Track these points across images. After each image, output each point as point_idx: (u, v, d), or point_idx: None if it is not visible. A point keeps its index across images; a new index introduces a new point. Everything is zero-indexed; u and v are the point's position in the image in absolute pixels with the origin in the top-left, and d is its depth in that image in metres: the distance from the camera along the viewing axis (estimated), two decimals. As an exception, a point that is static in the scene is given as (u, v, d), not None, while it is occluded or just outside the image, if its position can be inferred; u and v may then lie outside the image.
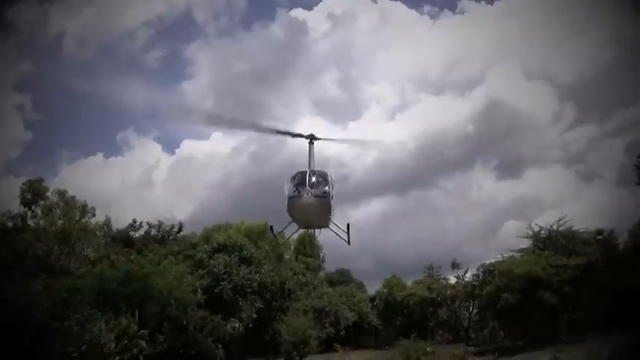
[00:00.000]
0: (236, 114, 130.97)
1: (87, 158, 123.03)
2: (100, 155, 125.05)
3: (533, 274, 48.11)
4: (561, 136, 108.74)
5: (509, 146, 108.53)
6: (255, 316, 50.69)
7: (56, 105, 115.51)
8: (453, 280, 62.23)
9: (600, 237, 54.70)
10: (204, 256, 51.03)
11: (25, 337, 39.42)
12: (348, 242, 32.16)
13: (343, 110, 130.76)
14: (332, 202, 29.19)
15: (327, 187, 28.29)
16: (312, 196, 27.10)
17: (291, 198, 27.85)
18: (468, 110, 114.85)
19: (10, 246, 49.42)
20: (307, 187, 27.09)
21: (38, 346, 38.93)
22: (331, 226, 31.26)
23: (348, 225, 31.97)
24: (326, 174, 28.98)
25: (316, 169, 29.39)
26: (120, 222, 64.58)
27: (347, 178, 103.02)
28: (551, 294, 47.21)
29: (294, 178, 28.54)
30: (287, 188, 28.50)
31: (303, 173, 28.32)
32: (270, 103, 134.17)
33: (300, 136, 30.56)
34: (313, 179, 27.80)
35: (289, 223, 30.28)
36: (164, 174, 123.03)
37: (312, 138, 30.36)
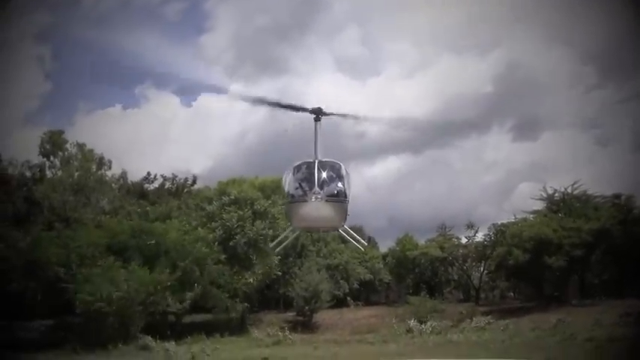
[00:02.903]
0: (255, 68, 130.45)
1: (104, 110, 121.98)
2: (118, 107, 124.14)
3: (543, 236, 47.97)
4: (579, 99, 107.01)
5: (526, 108, 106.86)
6: (268, 270, 51.21)
7: (75, 56, 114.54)
8: (465, 240, 62.27)
9: (617, 201, 54.47)
10: (216, 209, 51.29)
11: (40, 286, 40.28)
12: (363, 247, 28.60)
13: (362, 68, 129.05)
14: (348, 202, 22.62)
15: (340, 184, 21.76)
16: (322, 201, 20.95)
17: (293, 201, 22.05)
18: (486, 71, 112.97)
19: (27, 197, 49.98)
20: (316, 188, 20.74)
21: (53, 295, 39.76)
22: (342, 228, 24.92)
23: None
24: (340, 166, 22.38)
25: (326, 159, 22.45)
26: (135, 175, 65.03)
27: (363, 136, 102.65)
28: (560, 257, 47.08)
29: (297, 169, 22.47)
30: (287, 182, 22.72)
31: (310, 166, 21.90)
32: (289, 58, 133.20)
33: (304, 110, 23.37)
34: (323, 175, 21.42)
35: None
36: (181, 127, 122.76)
37: (318, 113, 23.20)
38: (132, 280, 37.47)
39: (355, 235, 26.01)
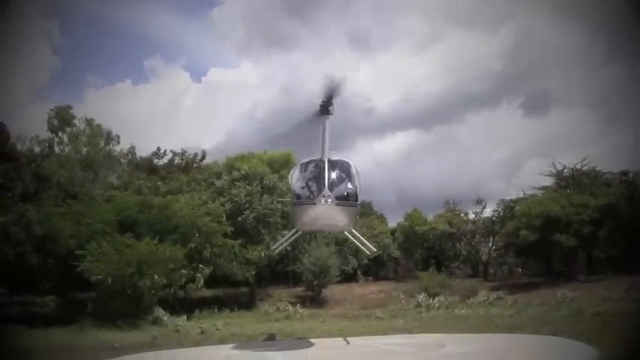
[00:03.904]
0: (266, 43, 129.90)
1: (114, 85, 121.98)
2: (127, 82, 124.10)
3: (552, 213, 47.93)
4: (589, 76, 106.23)
5: (536, 85, 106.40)
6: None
7: (84, 31, 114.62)
8: (473, 216, 62.29)
9: (625, 178, 54.38)
10: (225, 184, 51.40)
11: (50, 261, 40.58)
12: (370, 252, 26.92)
13: (373, 43, 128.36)
14: (359, 204, 22.17)
15: (350, 185, 20.73)
16: (332, 204, 19.68)
17: (300, 203, 20.87)
18: (497, 46, 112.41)
19: (35, 172, 50.18)
20: (325, 190, 19.60)
21: (65, 270, 40.02)
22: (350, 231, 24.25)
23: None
24: (349, 165, 21.41)
25: (336, 157, 21.56)
26: (145, 150, 65.23)
27: (372, 111, 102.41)
28: (569, 234, 47.08)
29: (304, 168, 21.68)
30: (293, 179, 22.05)
31: (319, 165, 20.80)
32: (300, 33, 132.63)
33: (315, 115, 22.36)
34: (333, 175, 20.30)
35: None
36: (191, 102, 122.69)
37: (324, 107, 22.08)
38: (143, 255, 37.62)
39: (362, 238, 25.27)
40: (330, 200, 19.34)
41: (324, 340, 25.05)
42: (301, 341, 26.56)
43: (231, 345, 24.76)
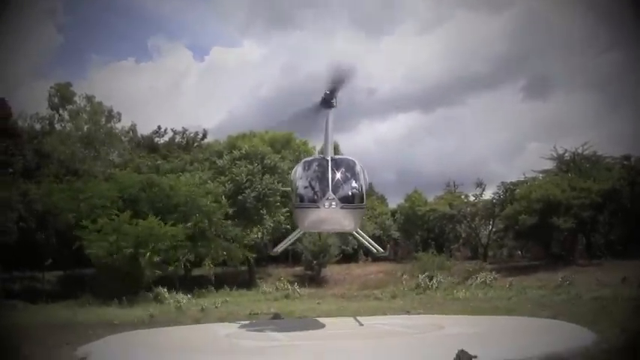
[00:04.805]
0: (269, 23, 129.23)
1: (117, 63, 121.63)
2: (130, 60, 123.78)
3: (552, 197, 47.95)
4: (592, 59, 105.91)
5: (538, 68, 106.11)
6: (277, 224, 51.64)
7: (88, 9, 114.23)
8: (473, 198, 62.29)
9: (627, 162, 54.35)
10: (226, 164, 51.36)
11: (51, 237, 40.73)
12: (377, 250, 25.59)
13: (377, 24, 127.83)
14: (364, 205, 20.95)
15: (356, 184, 19.59)
16: (337, 207, 18.73)
17: (302, 205, 19.84)
18: (500, 28, 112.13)
19: (37, 149, 50.22)
20: (330, 193, 18.63)
21: (65, 246, 40.21)
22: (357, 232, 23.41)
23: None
24: (354, 163, 20.19)
25: (340, 155, 21.37)
26: (148, 128, 65.36)
27: (374, 92, 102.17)
28: (569, 218, 47.11)
29: (306, 167, 20.50)
30: (296, 176, 20.61)
31: (323, 164, 19.69)
32: (303, 12, 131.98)
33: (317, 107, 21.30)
34: (338, 176, 19.22)
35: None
36: (193, 81, 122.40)
37: (327, 101, 20.99)
38: (144, 232, 37.73)
39: (369, 239, 24.58)
40: (334, 204, 18.52)
41: (323, 320, 25.12)
42: (300, 320, 26.71)
43: (233, 324, 24.88)
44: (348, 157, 20.95)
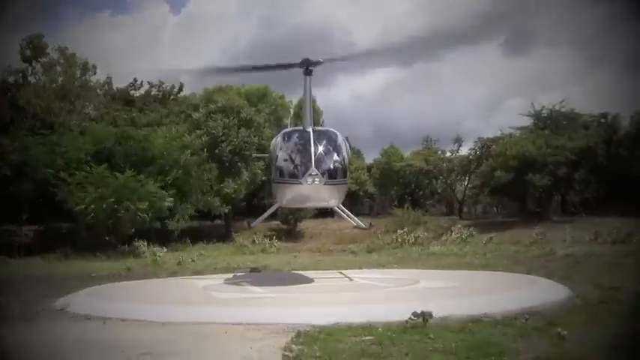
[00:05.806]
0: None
1: (93, 16, 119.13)
2: (106, 13, 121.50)
3: (527, 154, 48.16)
4: (573, 16, 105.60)
5: (519, 23, 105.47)
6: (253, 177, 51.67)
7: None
8: (449, 154, 62.40)
9: (603, 120, 54.68)
10: (202, 117, 51.02)
11: (29, 191, 40.39)
12: (359, 226, 24.15)
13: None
14: (347, 179, 20.00)
15: (338, 158, 18.76)
16: (321, 184, 18.04)
17: (283, 181, 19.07)
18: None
19: (10, 102, 49.50)
20: (312, 168, 17.82)
21: (42, 198, 39.94)
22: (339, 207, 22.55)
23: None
24: (337, 135, 19.59)
25: (321, 127, 20.86)
26: (124, 81, 64.41)
27: (354, 46, 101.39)
28: (544, 175, 47.41)
29: (287, 137, 19.71)
30: (275, 154, 19.50)
31: (304, 136, 18.86)
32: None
33: (292, 66, 19.86)
34: (320, 149, 18.39)
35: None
36: (170, 34, 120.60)
37: (307, 65, 19.41)
38: (122, 186, 37.58)
39: (352, 215, 23.84)
40: (317, 180, 17.81)
41: (300, 273, 25.28)
42: (278, 273, 26.88)
43: (211, 276, 24.97)
44: (329, 128, 20.37)
